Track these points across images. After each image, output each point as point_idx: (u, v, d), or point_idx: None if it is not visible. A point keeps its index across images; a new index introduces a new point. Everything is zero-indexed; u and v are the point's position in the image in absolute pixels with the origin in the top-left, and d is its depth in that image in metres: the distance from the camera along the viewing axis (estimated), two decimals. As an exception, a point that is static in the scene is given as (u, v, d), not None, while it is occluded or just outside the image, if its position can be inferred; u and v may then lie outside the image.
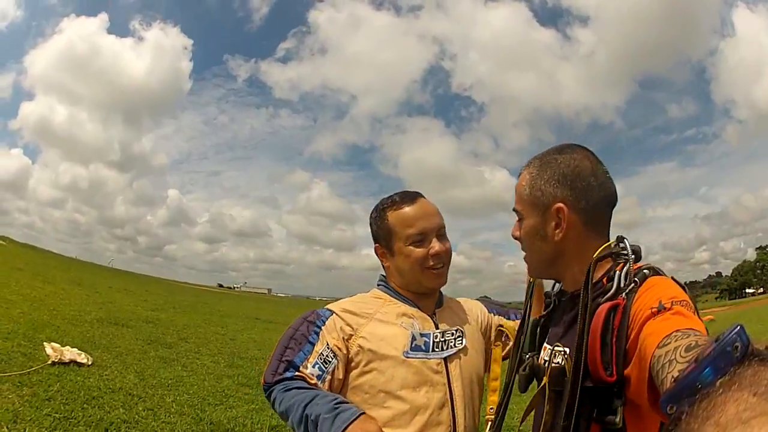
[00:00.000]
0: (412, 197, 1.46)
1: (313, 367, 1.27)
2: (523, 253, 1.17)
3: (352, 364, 1.33)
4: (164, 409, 4.43)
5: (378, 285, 1.52)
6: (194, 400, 4.98)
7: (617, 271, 0.96)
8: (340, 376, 1.31)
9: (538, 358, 1.13)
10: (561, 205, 1.05)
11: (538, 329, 1.20)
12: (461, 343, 1.42)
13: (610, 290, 0.95)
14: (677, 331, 0.75)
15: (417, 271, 1.41)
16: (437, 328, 1.42)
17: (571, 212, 1.05)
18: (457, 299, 1.61)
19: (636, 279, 0.94)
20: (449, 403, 1.33)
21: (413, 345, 1.35)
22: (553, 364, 1.00)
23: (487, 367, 1.51)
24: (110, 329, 8.52)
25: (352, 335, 1.35)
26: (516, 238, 1.16)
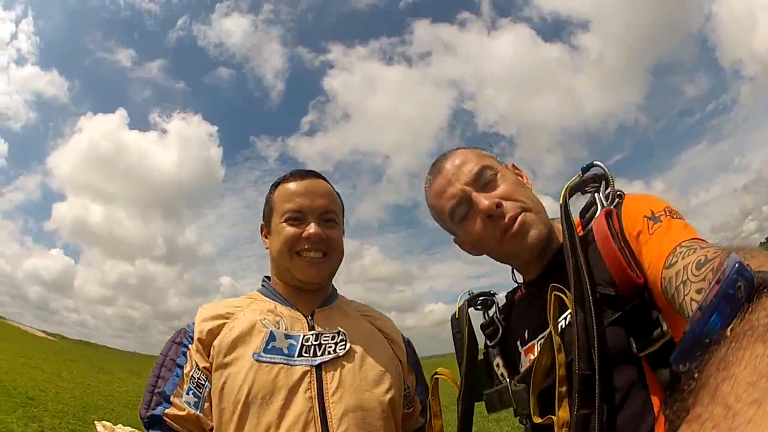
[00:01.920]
0: (303, 174, 1.31)
1: (188, 393, 1.10)
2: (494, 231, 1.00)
3: (215, 374, 1.12)
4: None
5: (262, 281, 1.36)
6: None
7: (596, 194, 0.93)
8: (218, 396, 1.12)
9: (520, 367, 1.03)
10: (513, 164, 1.13)
11: (497, 355, 1.10)
12: (343, 349, 1.17)
13: (594, 214, 0.91)
14: (680, 246, 0.72)
15: (285, 253, 1.23)
16: (312, 330, 1.20)
17: None
18: (370, 308, 1.38)
19: (618, 196, 0.91)
20: (317, 423, 1.07)
21: (269, 346, 1.13)
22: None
23: (399, 393, 1.22)
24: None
25: (211, 342, 1.14)
26: (497, 206, 0.99)
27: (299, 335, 1.16)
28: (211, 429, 1.10)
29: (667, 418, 0.67)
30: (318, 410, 1.07)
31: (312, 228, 1.21)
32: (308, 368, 1.12)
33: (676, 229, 0.77)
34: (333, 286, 1.36)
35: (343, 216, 1.36)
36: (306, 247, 1.21)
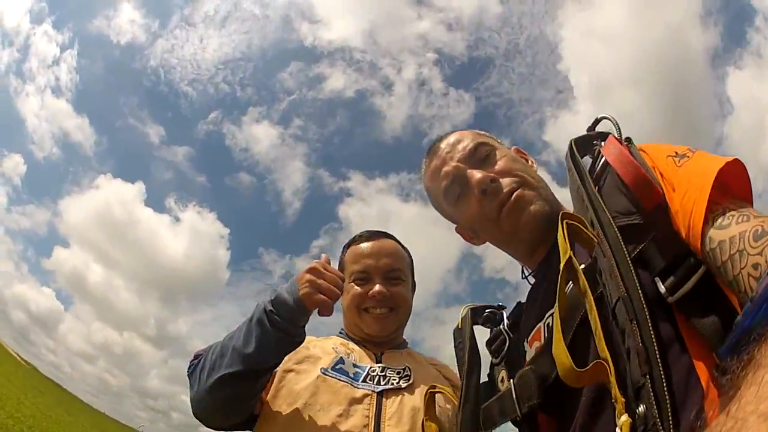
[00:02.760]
0: (371, 235, 1.40)
1: None
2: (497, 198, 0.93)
3: (278, 375, 1.20)
4: None
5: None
6: None
7: (602, 142, 0.84)
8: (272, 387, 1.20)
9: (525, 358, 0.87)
10: (517, 147, 1.08)
11: (502, 369, 0.94)
12: (406, 382, 1.23)
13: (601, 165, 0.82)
14: (730, 209, 0.63)
15: (354, 311, 1.32)
16: (379, 363, 1.27)
17: None
18: (438, 361, 1.43)
19: (627, 140, 0.81)
20: None
21: (336, 366, 1.21)
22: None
23: None
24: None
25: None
26: (492, 181, 0.93)
27: (366, 366, 1.24)
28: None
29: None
30: (373, 428, 1.11)
31: (377, 287, 1.30)
32: (370, 392, 1.17)
33: (708, 159, 0.68)
34: (404, 339, 1.44)
35: (412, 272, 1.44)
36: (372, 304, 1.30)
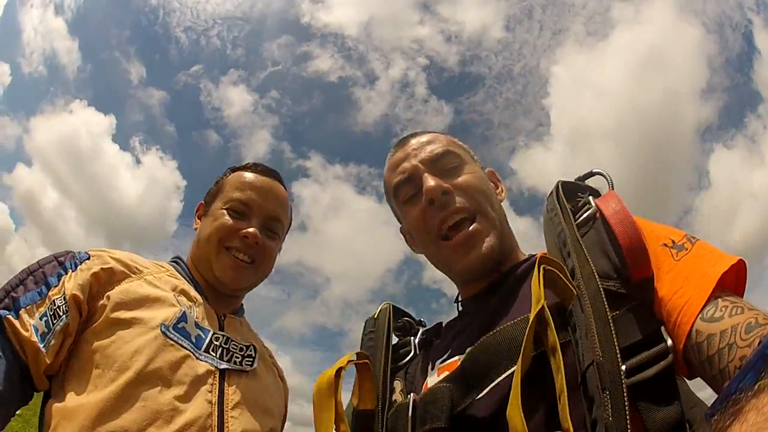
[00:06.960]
0: (266, 170, 1.18)
1: (40, 319, 0.89)
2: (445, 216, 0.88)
3: (92, 323, 0.93)
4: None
5: (171, 260, 1.16)
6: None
7: (590, 197, 0.79)
8: (71, 338, 0.91)
9: (424, 388, 0.83)
10: (492, 170, 1.00)
11: (397, 379, 0.91)
12: (250, 365, 1.03)
13: (587, 215, 0.77)
14: (723, 299, 0.60)
15: (213, 244, 1.08)
16: (222, 330, 1.04)
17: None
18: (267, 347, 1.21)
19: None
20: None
21: (179, 325, 0.95)
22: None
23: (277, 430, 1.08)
24: None
25: (106, 285, 0.96)
26: (443, 193, 0.86)
27: (209, 330, 1.01)
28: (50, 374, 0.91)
29: None
30: (216, 420, 0.91)
31: (252, 228, 1.08)
32: (213, 369, 0.96)
33: (710, 258, 0.64)
34: (242, 304, 1.22)
35: (287, 232, 1.25)
36: (237, 245, 1.08)
